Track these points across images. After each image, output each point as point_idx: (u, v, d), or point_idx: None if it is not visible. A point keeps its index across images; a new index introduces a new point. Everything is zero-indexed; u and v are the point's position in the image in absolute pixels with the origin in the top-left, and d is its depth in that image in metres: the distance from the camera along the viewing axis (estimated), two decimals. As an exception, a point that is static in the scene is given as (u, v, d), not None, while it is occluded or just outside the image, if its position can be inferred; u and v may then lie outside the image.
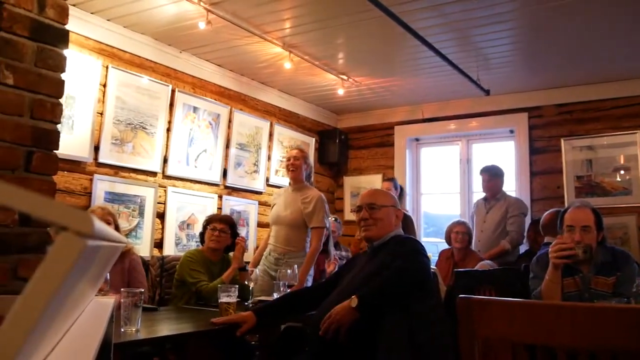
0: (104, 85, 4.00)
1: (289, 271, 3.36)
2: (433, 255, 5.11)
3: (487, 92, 5.14)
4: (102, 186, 3.93)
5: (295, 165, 3.96)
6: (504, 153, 5.84)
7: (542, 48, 4.33)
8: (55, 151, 2.11)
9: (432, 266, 3.25)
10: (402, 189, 5.54)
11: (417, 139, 6.37)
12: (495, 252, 4.63)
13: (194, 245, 4.47)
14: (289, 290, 3.19)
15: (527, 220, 4.81)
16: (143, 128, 4.26)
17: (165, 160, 4.47)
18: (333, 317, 2.14)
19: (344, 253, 4.84)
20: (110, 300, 1.44)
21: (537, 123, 5.52)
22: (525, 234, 4.65)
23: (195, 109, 4.75)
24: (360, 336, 2.13)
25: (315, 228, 3.87)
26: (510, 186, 5.45)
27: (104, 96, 3.99)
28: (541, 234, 3.77)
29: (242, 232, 4.04)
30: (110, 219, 3.10)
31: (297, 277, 3.46)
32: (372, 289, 2.18)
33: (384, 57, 4.67)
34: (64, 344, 0.95)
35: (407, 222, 3.66)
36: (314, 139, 6.29)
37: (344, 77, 5.12)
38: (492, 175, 4.93)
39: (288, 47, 4.38)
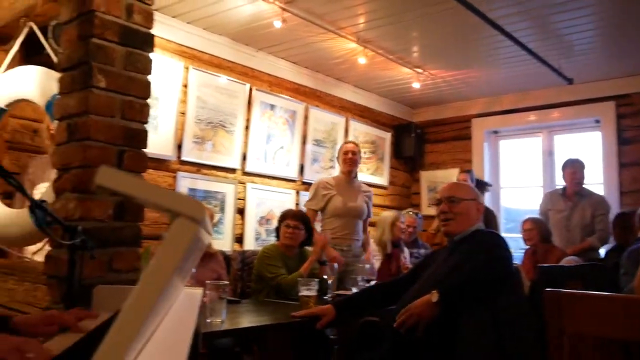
0: (185, 86, 4.16)
1: (367, 266, 3.37)
2: (514, 252, 4.97)
3: (570, 81, 4.93)
4: (185, 183, 4.09)
5: (353, 160, 4.07)
6: (589, 144, 5.58)
7: (629, 32, 4.09)
8: (144, 149, 2.22)
9: (515, 262, 3.17)
10: (482, 181, 5.40)
11: (495, 132, 6.20)
12: (580, 247, 4.44)
13: (272, 240, 4.56)
14: (368, 285, 3.20)
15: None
16: (222, 126, 4.39)
17: (244, 157, 4.59)
18: (412, 311, 2.12)
19: (422, 251, 4.76)
20: (198, 292, 1.50)
21: (626, 112, 5.24)
22: (612, 230, 4.44)
23: (272, 106, 4.84)
24: (439, 331, 2.10)
25: (367, 220, 4.20)
26: (596, 179, 5.21)
27: (185, 96, 4.15)
28: (628, 229, 3.59)
29: (318, 227, 4.07)
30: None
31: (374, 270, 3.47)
32: (453, 284, 2.15)
33: (460, 48, 4.58)
34: (160, 333, 1.01)
35: (489, 217, 3.58)
36: (389, 134, 6.25)
37: (419, 70, 5.06)
38: (580, 168, 4.72)
39: (362, 42, 4.38)
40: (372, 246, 4.28)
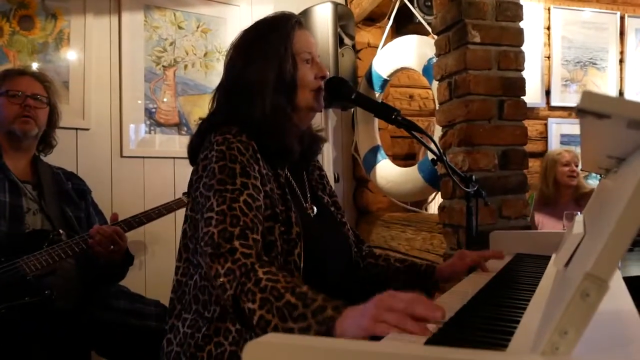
0: (548, 28, 3.96)
1: None
2: None
3: None
4: (557, 129, 3.93)
5: None
6: None
7: None
8: (522, 97, 2.22)
9: None
10: None
11: None
12: None
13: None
14: None
15: None
16: (593, 64, 4.05)
17: (620, 95, 4.15)
18: None
19: None
20: None
21: None
22: None
23: (651, 32, 4.24)
24: None
25: None
26: None
27: (549, 39, 3.96)
28: None
29: None
30: (577, 161, 3.12)
31: None
32: None
33: None
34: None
35: None
36: None
37: None
38: None
39: None
40: None
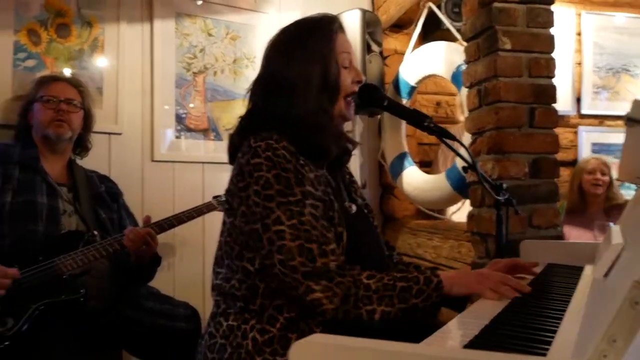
0: (579, 34, 3.92)
1: None
2: None
3: None
4: (587, 137, 3.88)
5: None
6: None
7: None
8: (553, 105, 2.20)
9: None
10: None
11: None
12: None
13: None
14: None
15: None
16: (626, 71, 3.99)
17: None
18: None
19: None
20: None
21: None
22: None
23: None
24: None
25: None
26: None
27: (579, 45, 3.92)
28: None
29: None
30: (605, 169, 3.06)
31: None
32: None
33: None
34: None
35: None
36: None
37: None
38: None
39: None
40: None
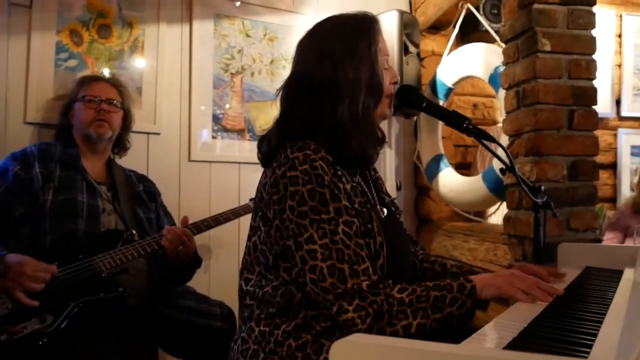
0: (619, 36, 3.84)
1: None
2: None
3: None
4: (627, 140, 3.79)
5: None
6: None
7: None
8: (593, 107, 2.16)
9: None
10: None
11: None
12: None
13: None
14: None
15: None
16: (668, 72, 3.89)
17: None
18: None
19: None
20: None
21: None
22: None
23: None
24: None
25: None
26: None
27: (620, 47, 3.83)
28: None
29: None
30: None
31: None
32: None
33: None
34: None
35: None
36: None
37: None
38: None
39: None
40: None
